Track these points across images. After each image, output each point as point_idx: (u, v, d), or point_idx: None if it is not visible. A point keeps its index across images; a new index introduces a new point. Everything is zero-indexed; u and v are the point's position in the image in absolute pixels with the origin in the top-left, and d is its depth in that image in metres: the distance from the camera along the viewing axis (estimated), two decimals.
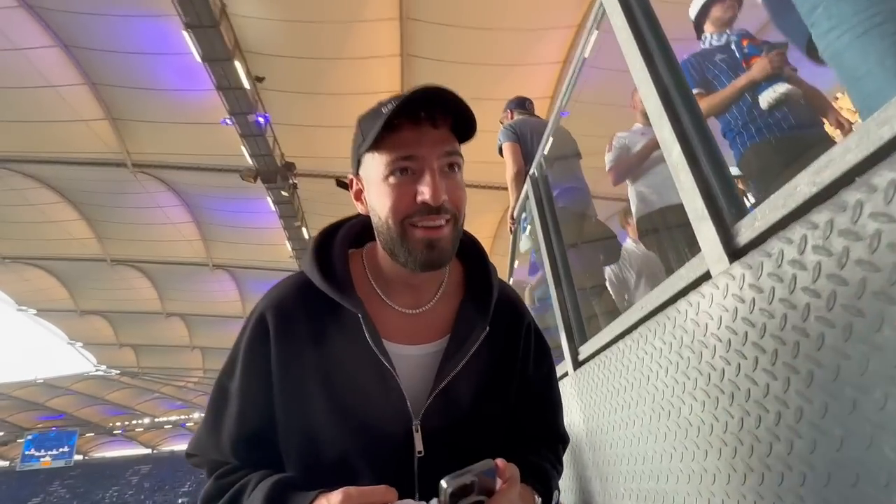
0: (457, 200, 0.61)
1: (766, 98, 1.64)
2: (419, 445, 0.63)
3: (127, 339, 18.15)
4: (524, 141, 2.43)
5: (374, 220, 0.64)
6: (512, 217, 2.51)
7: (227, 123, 8.39)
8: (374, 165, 0.61)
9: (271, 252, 12.51)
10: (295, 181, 9.68)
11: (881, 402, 0.47)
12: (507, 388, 0.71)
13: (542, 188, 1.87)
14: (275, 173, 9.32)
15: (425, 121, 0.60)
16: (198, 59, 7.14)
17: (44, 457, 21.53)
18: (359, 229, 0.74)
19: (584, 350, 1.47)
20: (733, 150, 1.71)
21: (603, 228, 2.41)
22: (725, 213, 0.77)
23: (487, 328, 0.67)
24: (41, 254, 12.85)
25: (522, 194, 2.14)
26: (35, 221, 11.43)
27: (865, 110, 0.78)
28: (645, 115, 2.16)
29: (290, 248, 11.79)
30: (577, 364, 1.51)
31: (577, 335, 1.57)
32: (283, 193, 9.77)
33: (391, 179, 0.60)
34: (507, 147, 2.45)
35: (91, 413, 24.04)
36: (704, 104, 1.71)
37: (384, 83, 7.83)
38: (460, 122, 0.62)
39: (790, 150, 1.60)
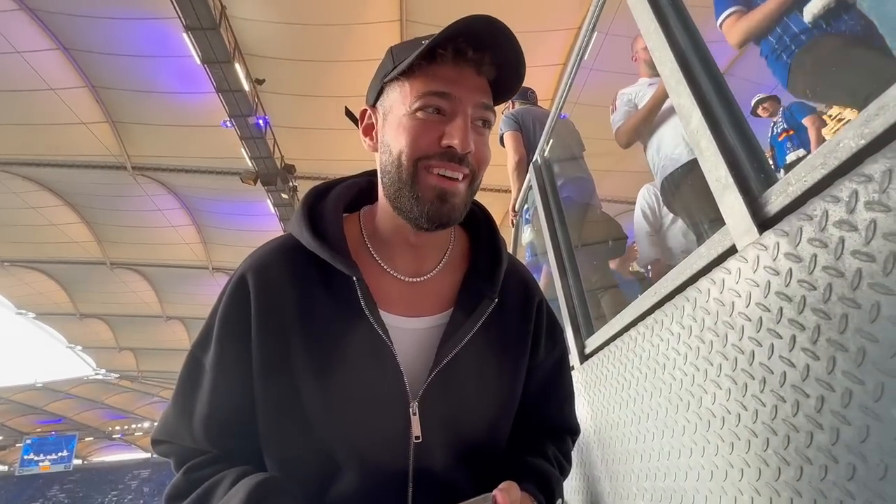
0: (481, 158, 0.55)
1: (811, 9, 1.25)
2: (416, 430, 0.55)
3: (127, 343, 18.05)
4: (526, 130, 2.36)
5: (384, 157, 0.57)
6: (514, 209, 2.43)
7: (226, 126, 8.37)
8: (401, 96, 0.54)
9: None
10: (295, 184, 9.64)
11: None
12: (515, 371, 0.64)
13: (546, 175, 1.80)
14: (275, 176, 9.28)
15: (471, 62, 0.53)
16: (198, 61, 7.11)
17: (43, 461, 21.33)
18: (355, 192, 0.66)
19: (591, 342, 1.39)
20: (776, 74, 1.42)
21: (609, 221, 2.34)
22: (752, 180, 0.70)
23: (496, 300, 0.60)
24: (41, 257, 12.79)
25: (525, 184, 2.07)
26: (35, 224, 11.39)
27: None
28: (651, 66, 1.91)
29: None
30: (584, 357, 1.43)
31: (584, 327, 1.50)
32: (283, 196, 9.72)
33: (419, 114, 0.53)
34: (508, 136, 2.38)
35: (90, 417, 23.90)
36: (744, 25, 1.45)
37: None
38: (502, 77, 0.56)
39: (851, 47, 1.23)
